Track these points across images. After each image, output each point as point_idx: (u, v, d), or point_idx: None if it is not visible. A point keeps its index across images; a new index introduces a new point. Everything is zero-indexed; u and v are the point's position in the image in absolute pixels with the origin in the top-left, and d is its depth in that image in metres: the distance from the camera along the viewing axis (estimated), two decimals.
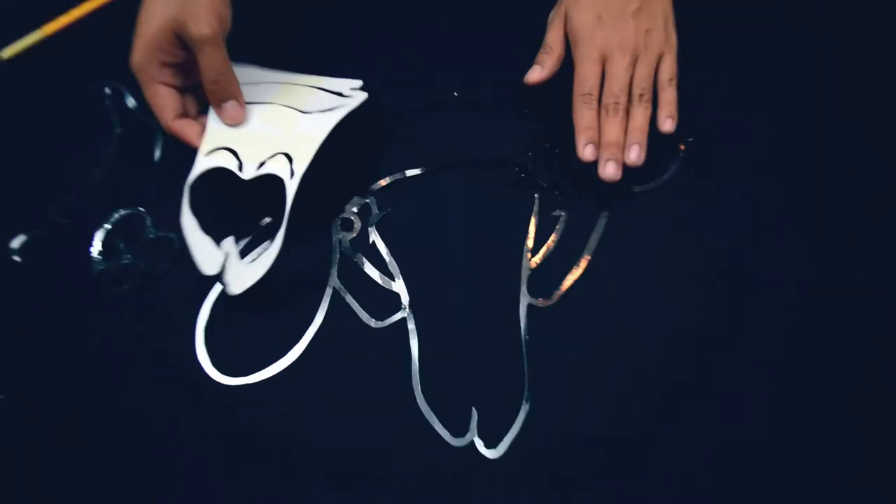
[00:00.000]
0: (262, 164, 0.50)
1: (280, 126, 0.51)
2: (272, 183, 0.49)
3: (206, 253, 0.49)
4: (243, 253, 0.50)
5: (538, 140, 0.56)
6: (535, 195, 0.54)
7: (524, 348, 0.49)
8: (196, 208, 0.49)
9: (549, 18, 0.56)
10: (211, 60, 0.48)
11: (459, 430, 0.48)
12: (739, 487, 0.46)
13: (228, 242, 0.49)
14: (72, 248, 0.54)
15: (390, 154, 0.57)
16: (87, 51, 0.61)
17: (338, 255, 0.53)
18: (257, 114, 0.52)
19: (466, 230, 0.53)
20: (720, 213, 0.53)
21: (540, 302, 0.51)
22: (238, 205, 0.53)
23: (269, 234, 0.49)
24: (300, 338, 0.50)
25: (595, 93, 0.52)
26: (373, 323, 0.51)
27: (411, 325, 0.51)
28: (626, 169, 0.52)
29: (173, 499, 0.47)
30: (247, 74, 0.53)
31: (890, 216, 0.52)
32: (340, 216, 0.54)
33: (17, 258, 0.54)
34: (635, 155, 0.52)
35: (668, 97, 0.53)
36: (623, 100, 0.52)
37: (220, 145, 0.50)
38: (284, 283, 0.52)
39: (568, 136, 0.53)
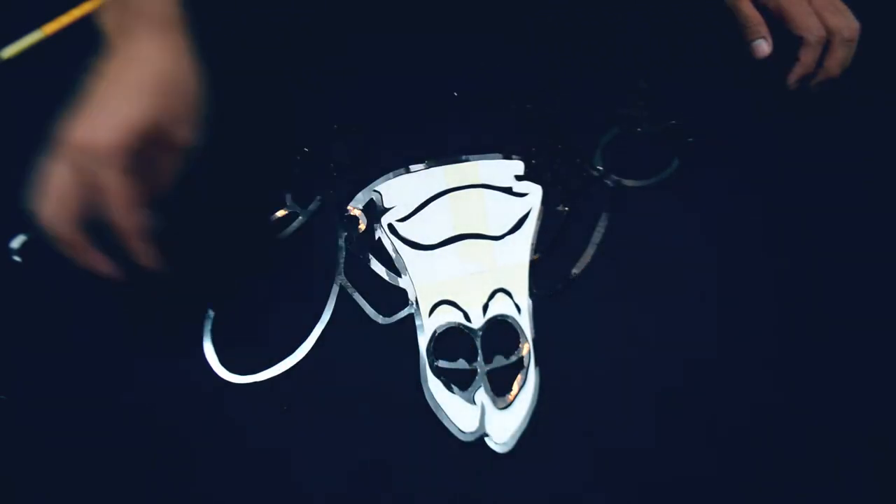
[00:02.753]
0: (486, 307, 0.51)
1: (482, 262, 0.52)
2: None
3: (461, 411, 0.48)
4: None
5: (540, 137, 0.57)
6: (539, 190, 0.55)
7: (530, 342, 0.50)
8: (435, 371, 0.49)
9: None
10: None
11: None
12: (747, 479, 0.46)
13: (481, 394, 0.49)
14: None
15: (394, 151, 0.57)
16: (88, 51, 0.60)
17: (344, 253, 0.53)
18: (453, 254, 0.52)
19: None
20: (721, 212, 0.54)
21: (546, 296, 0.51)
22: None
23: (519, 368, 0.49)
24: (308, 335, 0.50)
25: (822, 37, 0.54)
26: (380, 319, 0.51)
27: (418, 321, 0.51)
28: (628, 167, 0.53)
29: (182, 497, 0.47)
30: (405, 185, 0.54)
31: (890, 215, 0.53)
32: (346, 213, 0.55)
33: (17, 258, 0.54)
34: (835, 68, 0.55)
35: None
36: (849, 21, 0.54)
37: (439, 300, 0.51)
38: (291, 281, 0.52)
39: (570, 133, 0.54)
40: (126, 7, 0.43)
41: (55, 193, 0.40)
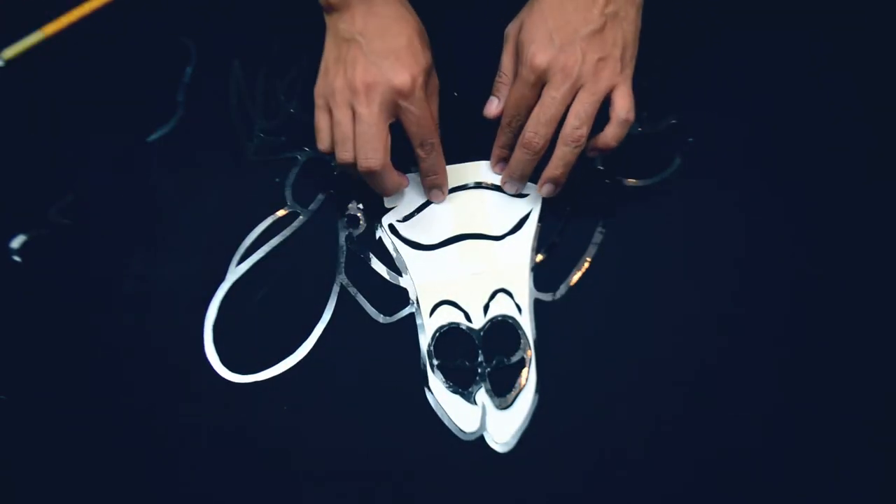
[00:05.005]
0: (486, 307, 0.51)
1: (482, 261, 0.52)
2: None
3: (462, 411, 0.48)
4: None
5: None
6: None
7: (531, 342, 0.50)
8: (436, 371, 0.49)
9: (506, 31, 0.51)
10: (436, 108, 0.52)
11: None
12: (747, 480, 0.46)
13: (481, 394, 0.49)
14: (72, 248, 0.54)
15: (395, 151, 0.57)
16: (88, 51, 0.61)
17: (344, 252, 0.53)
18: (454, 254, 0.52)
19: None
20: (721, 211, 0.54)
21: (546, 296, 0.51)
22: None
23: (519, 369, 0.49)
24: (309, 334, 0.50)
25: (515, 124, 0.50)
26: (381, 318, 0.51)
27: (419, 321, 0.51)
28: (629, 165, 0.53)
29: (183, 497, 0.47)
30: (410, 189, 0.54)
31: (890, 214, 0.53)
32: (346, 213, 0.55)
33: (17, 258, 0.54)
34: (546, 191, 0.51)
35: (607, 139, 0.48)
36: (545, 132, 0.48)
37: (439, 300, 0.51)
38: (292, 281, 0.52)
39: None
40: None
41: (378, 136, 0.48)
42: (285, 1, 0.62)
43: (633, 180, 0.55)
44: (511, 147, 0.52)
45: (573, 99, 0.47)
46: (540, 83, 0.48)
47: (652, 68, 0.52)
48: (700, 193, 0.54)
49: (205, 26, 0.62)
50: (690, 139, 0.56)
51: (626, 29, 0.48)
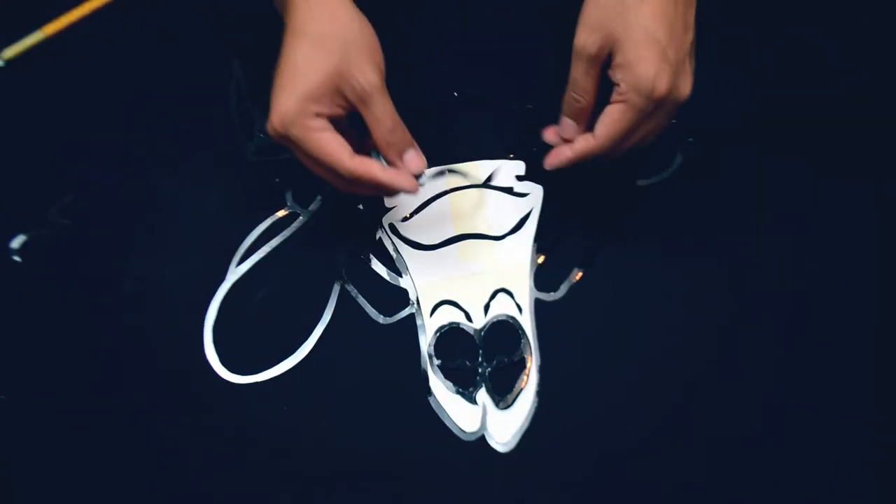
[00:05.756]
0: (487, 307, 0.51)
1: (482, 261, 0.52)
2: None
3: (462, 411, 0.48)
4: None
5: (541, 136, 0.57)
6: (540, 190, 0.55)
7: (532, 342, 0.50)
8: (437, 371, 0.49)
9: (581, 45, 0.44)
10: (383, 110, 0.44)
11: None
12: (747, 480, 0.46)
13: (482, 394, 0.49)
14: (72, 248, 0.54)
15: None
16: (88, 51, 0.61)
17: (345, 252, 0.53)
18: (455, 254, 0.52)
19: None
20: (721, 211, 0.54)
21: (547, 296, 0.51)
22: None
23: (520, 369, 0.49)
24: (309, 335, 0.50)
25: (612, 154, 0.45)
26: (381, 319, 0.51)
27: (419, 321, 0.51)
28: (630, 164, 0.53)
29: (183, 498, 0.47)
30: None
31: (890, 214, 0.53)
32: (346, 213, 0.54)
33: (17, 258, 0.54)
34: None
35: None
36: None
37: (440, 300, 0.51)
38: (292, 281, 0.52)
39: None
40: None
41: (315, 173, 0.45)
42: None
43: (637, 178, 0.55)
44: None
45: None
46: (655, 109, 0.43)
47: None
48: (700, 193, 0.54)
49: (205, 26, 0.62)
50: (690, 139, 0.56)
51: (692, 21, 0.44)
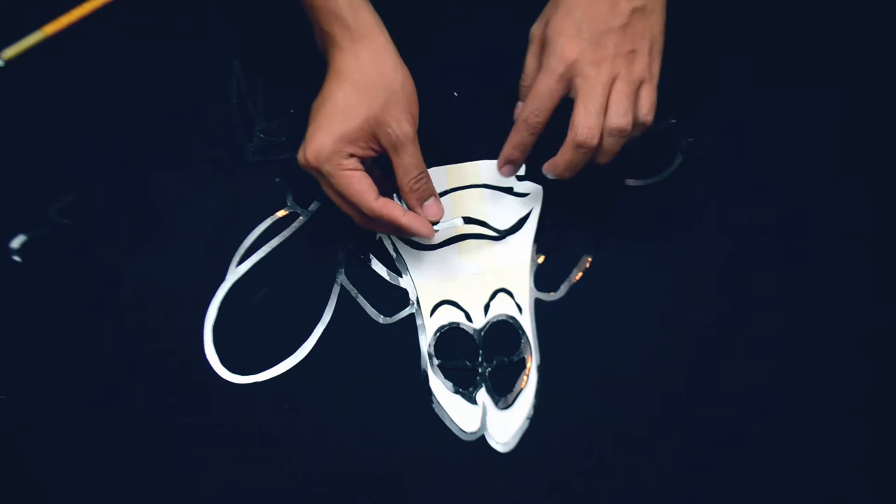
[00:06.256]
0: (487, 307, 0.51)
1: (483, 261, 0.52)
2: None
3: (462, 411, 0.48)
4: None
5: (541, 137, 0.57)
6: (540, 190, 0.55)
7: (532, 342, 0.50)
8: (437, 371, 0.50)
9: (531, 32, 0.50)
10: (412, 159, 0.47)
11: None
12: (745, 480, 0.46)
13: (482, 394, 0.49)
14: (72, 248, 0.54)
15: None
16: (88, 51, 0.60)
17: (344, 253, 0.53)
18: (455, 254, 0.52)
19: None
20: (721, 211, 0.54)
21: (547, 296, 0.51)
22: None
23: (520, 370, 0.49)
24: (309, 335, 0.50)
25: (535, 120, 0.47)
26: (381, 319, 0.51)
27: (419, 321, 0.51)
28: (630, 164, 0.53)
29: (183, 498, 0.47)
30: None
31: (890, 214, 0.53)
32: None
33: (17, 258, 0.54)
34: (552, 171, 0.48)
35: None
36: (596, 123, 0.45)
37: (440, 300, 0.51)
38: (292, 281, 0.52)
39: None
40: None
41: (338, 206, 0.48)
42: (285, 1, 0.62)
43: (633, 180, 0.55)
44: (524, 148, 0.49)
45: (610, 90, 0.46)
46: (568, 75, 0.46)
47: None
48: (700, 193, 0.54)
49: (205, 26, 0.62)
50: (690, 139, 0.56)
51: (654, 22, 0.47)
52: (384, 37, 0.48)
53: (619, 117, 0.45)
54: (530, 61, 0.50)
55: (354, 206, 0.47)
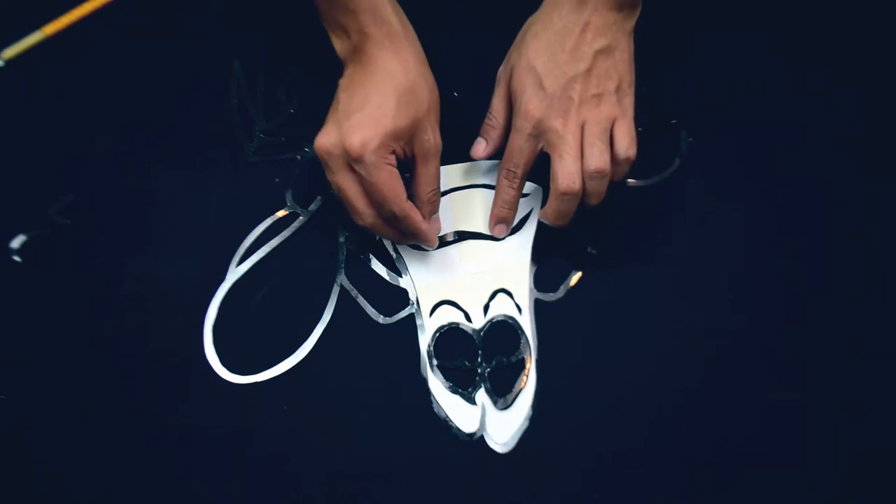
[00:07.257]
0: (486, 307, 0.51)
1: (483, 261, 0.52)
2: None
3: (462, 411, 0.48)
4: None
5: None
6: (540, 191, 0.55)
7: (531, 342, 0.50)
8: (436, 371, 0.50)
9: (498, 74, 0.51)
10: (436, 171, 0.48)
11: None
12: (745, 481, 0.46)
13: (481, 394, 0.49)
14: (72, 248, 0.54)
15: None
16: (88, 51, 0.61)
17: (345, 252, 0.53)
18: (454, 254, 0.52)
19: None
20: (721, 211, 0.54)
21: (547, 296, 0.51)
22: None
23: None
24: (309, 335, 0.50)
25: (514, 177, 0.49)
26: (381, 319, 0.51)
27: (419, 321, 0.51)
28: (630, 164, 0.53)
29: (182, 498, 0.47)
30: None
31: (889, 214, 0.53)
32: (346, 213, 0.54)
33: (17, 258, 0.54)
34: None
35: (612, 176, 0.48)
36: (576, 171, 0.47)
37: (439, 300, 0.51)
38: (292, 281, 0.52)
39: None
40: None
41: (350, 200, 0.47)
42: (285, 1, 0.62)
43: (633, 180, 0.55)
44: (512, 203, 0.51)
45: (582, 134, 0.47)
46: (537, 132, 0.47)
47: (651, 69, 0.52)
48: (700, 193, 0.54)
49: (205, 26, 0.62)
50: (690, 139, 0.56)
51: (619, 59, 0.47)
52: (420, 45, 0.48)
53: (595, 159, 0.46)
54: (496, 103, 0.51)
55: (379, 203, 0.46)
